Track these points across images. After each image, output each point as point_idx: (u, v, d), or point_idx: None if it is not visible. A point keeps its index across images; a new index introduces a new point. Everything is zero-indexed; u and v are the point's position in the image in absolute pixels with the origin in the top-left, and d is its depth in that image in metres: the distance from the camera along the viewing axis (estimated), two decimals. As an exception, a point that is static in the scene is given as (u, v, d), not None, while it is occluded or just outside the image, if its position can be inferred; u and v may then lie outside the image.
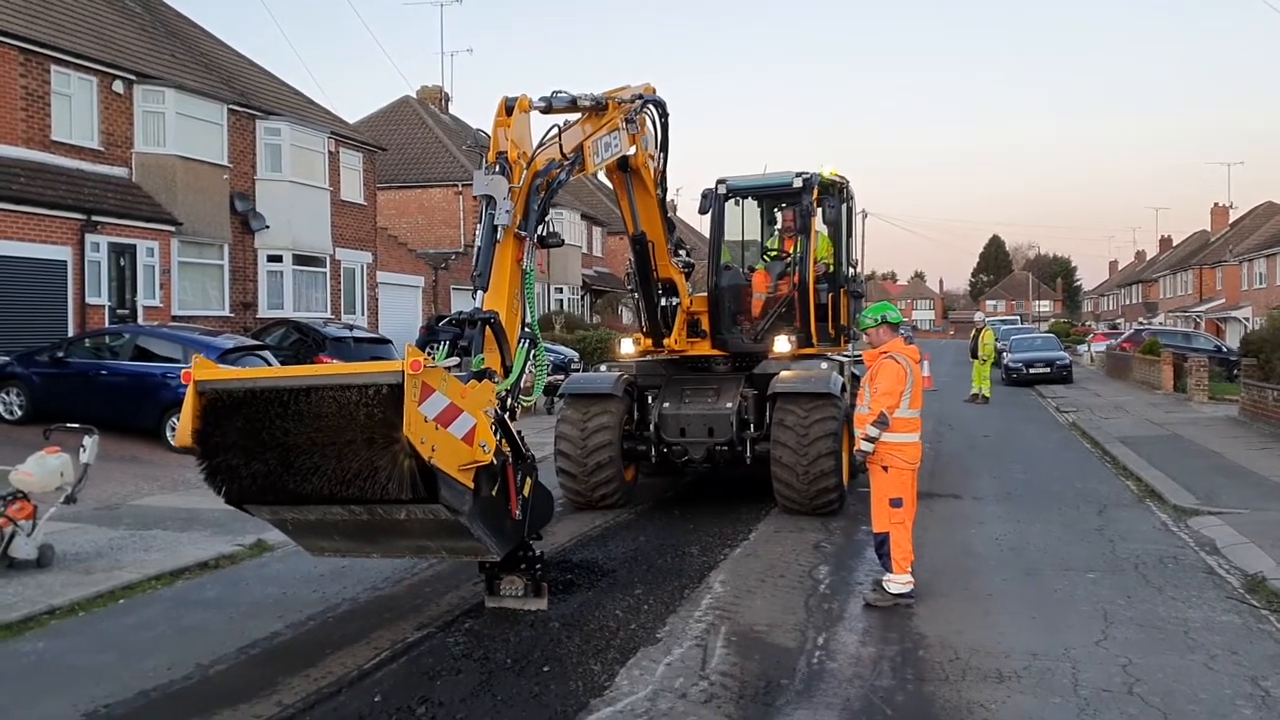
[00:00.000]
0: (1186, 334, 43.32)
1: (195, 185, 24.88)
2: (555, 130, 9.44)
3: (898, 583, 8.45)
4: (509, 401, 7.90)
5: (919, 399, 8.67)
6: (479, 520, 7.33)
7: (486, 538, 7.48)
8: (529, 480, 7.95)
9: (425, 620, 8.16)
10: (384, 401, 6.75)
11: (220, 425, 7.20)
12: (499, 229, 8.26)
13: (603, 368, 14.82)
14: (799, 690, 6.59)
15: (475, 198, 8.53)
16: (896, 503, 8.50)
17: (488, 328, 7.93)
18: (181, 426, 7.32)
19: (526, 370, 8.39)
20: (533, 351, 8.48)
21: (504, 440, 7.58)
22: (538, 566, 8.32)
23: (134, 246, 22.95)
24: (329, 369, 7.45)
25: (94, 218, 21.72)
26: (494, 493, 7.47)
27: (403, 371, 6.63)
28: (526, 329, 8.56)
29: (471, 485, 7.09)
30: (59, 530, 10.54)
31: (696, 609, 8.40)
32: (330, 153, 30.27)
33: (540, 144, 9.12)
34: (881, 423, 8.41)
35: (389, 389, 6.74)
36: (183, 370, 7.44)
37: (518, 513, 7.75)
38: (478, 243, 8.41)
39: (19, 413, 17.93)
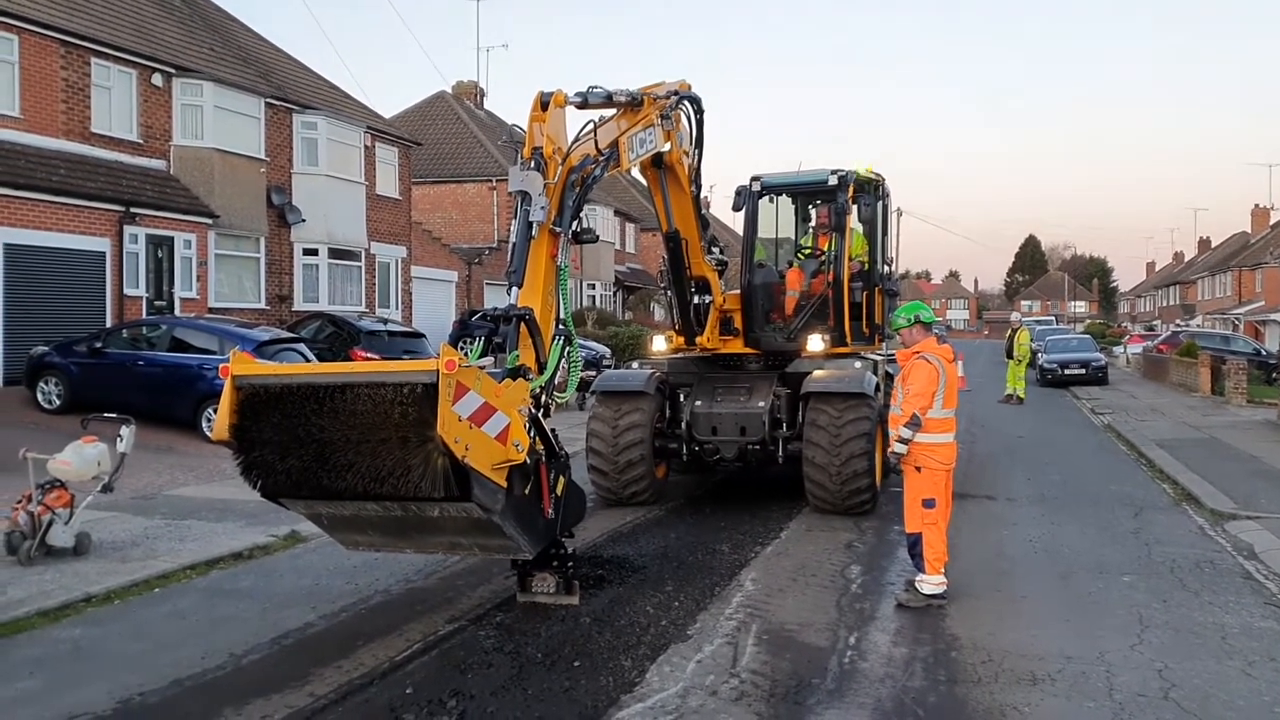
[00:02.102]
0: (1225, 336, 42.88)
1: (232, 178, 25.08)
2: (591, 126, 9.44)
3: (930, 583, 8.39)
4: (543, 398, 7.91)
5: (953, 399, 8.60)
6: (511, 519, 7.34)
7: (519, 536, 7.50)
8: (562, 479, 7.96)
9: (457, 613, 8.19)
10: (418, 400, 6.76)
11: (257, 420, 7.25)
12: (534, 225, 8.26)
13: (634, 365, 14.81)
14: (830, 690, 6.56)
15: (510, 194, 8.54)
16: (930, 503, 8.44)
17: (522, 324, 7.94)
18: (219, 420, 7.37)
19: (561, 367, 8.38)
20: (567, 348, 8.47)
21: (537, 438, 7.59)
22: (569, 564, 8.33)
23: (171, 238, 23.19)
24: (364, 367, 7.49)
25: (132, 209, 21.97)
26: (527, 491, 7.48)
27: (437, 371, 6.64)
28: (561, 326, 8.57)
29: (504, 484, 7.10)
30: (96, 519, 10.65)
31: (727, 606, 8.38)
32: (366, 147, 30.43)
33: (575, 140, 9.12)
34: (914, 424, 8.35)
35: (423, 388, 6.75)
36: (220, 365, 7.50)
37: (550, 511, 7.77)
38: (512, 239, 8.42)
39: (57, 402, 18.13)
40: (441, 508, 7.16)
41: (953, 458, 8.66)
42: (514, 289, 8.15)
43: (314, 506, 7.68)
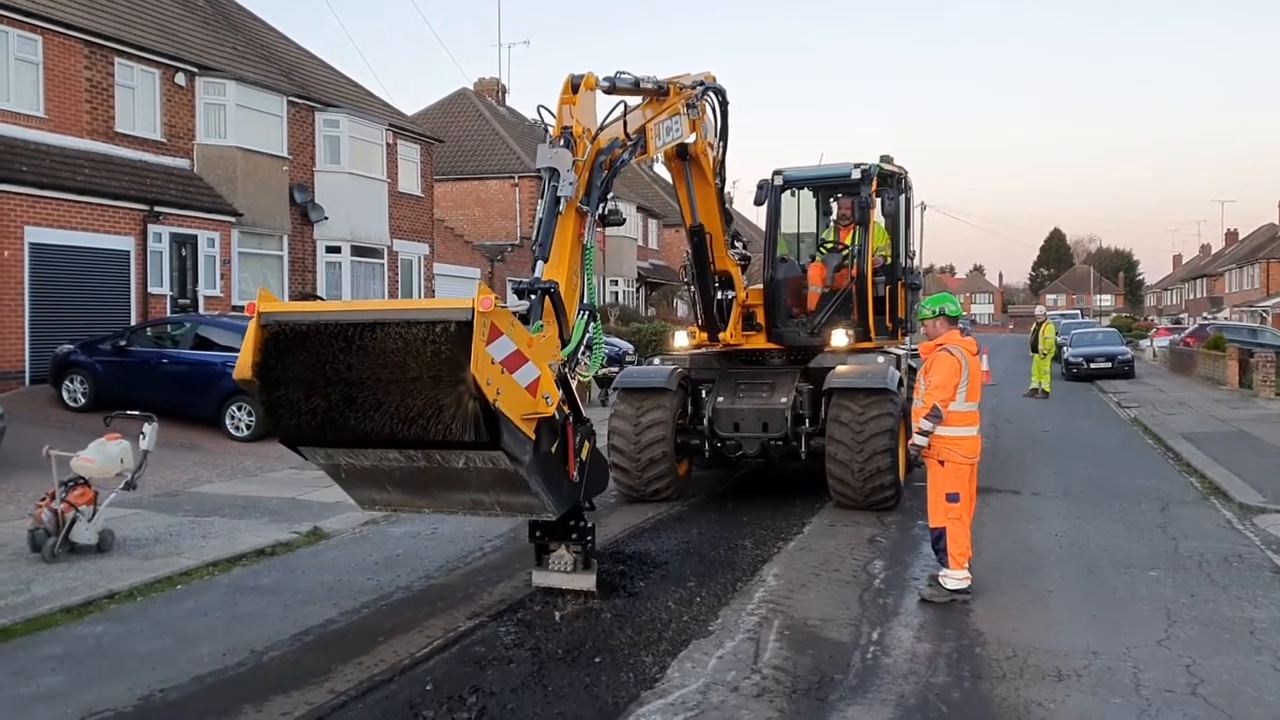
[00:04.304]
0: (1252, 329, 42.54)
1: (255, 176, 25.20)
2: (619, 110, 9.41)
3: (954, 578, 8.32)
4: (566, 371, 7.88)
5: (977, 391, 8.52)
6: (537, 474, 7.27)
7: (544, 494, 7.42)
8: (587, 444, 7.96)
9: (477, 609, 8.18)
10: (451, 340, 6.70)
11: (282, 359, 7.15)
12: (561, 200, 8.21)
13: (656, 361, 14.75)
14: (852, 685, 6.51)
15: (538, 170, 8.49)
16: (953, 498, 8.36)
17: (547, 298, 7.89)
18: (241, 359, 7.26)
19: (584, 342, 8.31)
20: (591, 324, 8.38)
21: (565, 400, 7.58)
22: (589, 539, 8.29)
23: (195, 237, 23.32)
24: (396, 304, 7.39)
25: (156, 208, 22.10)
26: (553, 449, 7.46)
27: (472, 309, 6.60)
28: (586, 303, 8.50)
29: (533, 436, 7.07)
30: (119, 516, 10.70)
31: (749, 602, 8.34)
32: (388, 144, 30.51)
33: (603, 123, 9.08)
34: (934, 416, 8.28)
35: (457, 326, 6.69)
36: (248, 302, 7.46)
37: (575, 474, 7.75)
38: (539, 214, 8.34)
39: (82, 400, 18.26)
40: (468, 458, 7.10)
41: (977, 451, 8.58)
42: (539, 262, 8.11)
43: (334, 456, 7.59)
